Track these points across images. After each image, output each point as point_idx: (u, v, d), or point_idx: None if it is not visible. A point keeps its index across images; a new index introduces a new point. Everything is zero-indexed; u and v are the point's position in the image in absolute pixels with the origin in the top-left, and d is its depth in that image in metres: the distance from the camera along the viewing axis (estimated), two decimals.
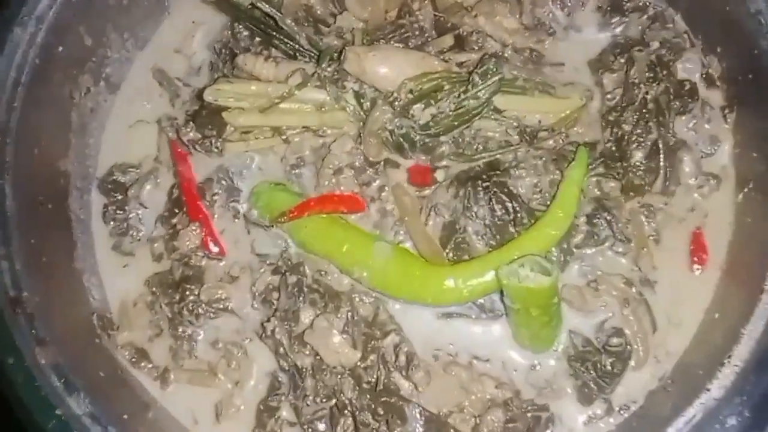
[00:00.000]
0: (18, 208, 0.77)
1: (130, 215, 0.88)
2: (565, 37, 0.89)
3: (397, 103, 0.79)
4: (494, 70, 0.78)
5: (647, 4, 0.88)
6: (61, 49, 0.83)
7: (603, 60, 0.86)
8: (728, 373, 0.65)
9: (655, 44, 0.84)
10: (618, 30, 0.88)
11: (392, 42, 0.85)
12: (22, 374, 0.69)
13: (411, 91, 0.79)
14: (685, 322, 0.77)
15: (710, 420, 0.63)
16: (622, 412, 0.74)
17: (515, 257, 0.73)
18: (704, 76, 0.85)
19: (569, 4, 0.90)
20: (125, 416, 0.72)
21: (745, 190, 0.79)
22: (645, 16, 0.87)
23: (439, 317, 0.80)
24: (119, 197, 0.89)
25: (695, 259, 0.79)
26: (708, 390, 0.65)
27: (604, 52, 0.87)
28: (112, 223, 0.88)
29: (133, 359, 0.81)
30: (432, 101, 0.80)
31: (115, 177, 0.90)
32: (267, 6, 0.85)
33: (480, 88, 0.78)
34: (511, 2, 0.88)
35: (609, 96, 0.84)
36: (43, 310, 0.74)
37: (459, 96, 0.79)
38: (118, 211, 0.88)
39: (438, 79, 0.79)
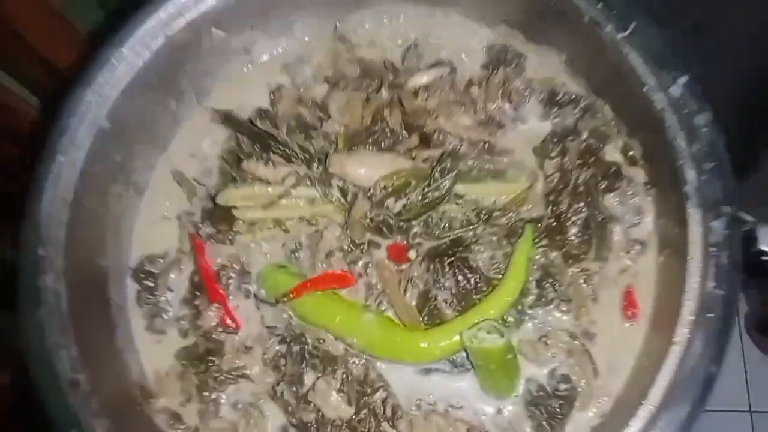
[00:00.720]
0: (70, 305, 0.88)
1: (160, 299, 1.00)
2: (513, 128, 1.01)
3: (374, 197, 0.94)
4: (451, 167, 0.93)
5: (580, 96, 1.01)
6: (97, 168, 0.95)
7: (544, 147, 0.98)
8: (645, 413, 0.78)
9: (585, 134, 0.97)
10: (556, 120, 1.00)
11: (368, 144, 0.99)
12: None
13: (384, 188, 0.93)
14: (621, 367, 0.89)
15: None
16: None
17: (476, 321, 0.88)
18: (628, 157, 0.97)
19: (515, 99, 1.02)
20: None
21: (664, 253, 0.92)
22: (578, 108, 1.00)
23: (419, 372, 0.92)
24: (150, 284, 1.00)
25: (628, 313, 0.91)
26: (630, 426, 0.78)
27: (545, 140, 0.99)
28: (145, 306, 1.00)
29: (170, 422, 0.93)
30: (402, 194, 0.94)
31: (145, 267, 1.01)
32: (264, 122, 1.00)
33: (440, 182, 0.92)
34: (466, 103, 1.02)
35: (549, 179, 0.96)
36: (96, 387, 0.86)
37: (424, 189, 0.93)
38: (149, 296, 1.00)
39: (405, 176, 0.93)
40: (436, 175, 0.93)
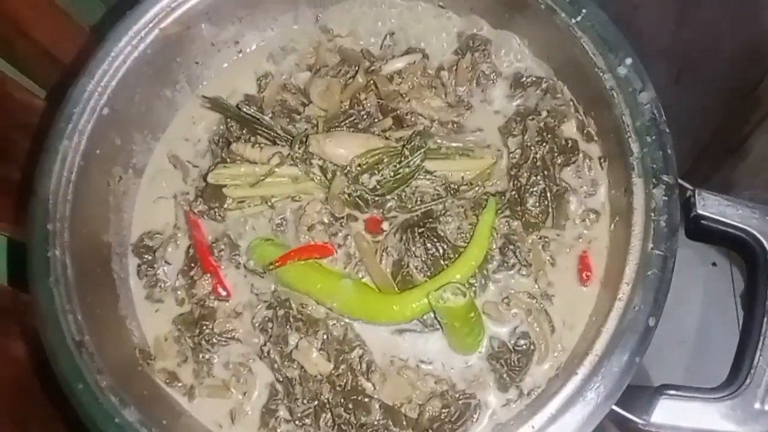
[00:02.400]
0: (76, 275, 0.97)
1: (158, 271, 1.08)
2: (480, 110, 1.10)
3: (350, 174, 1.02)
4: (419, 144, 1.02)
5: (541, 78, 1.09)
6: (98, 151, 1.05)
7: (508, 126, 1.07)
8: (591, 360, 0.85)
9: (544, 113, 1.05)
10: (520, 101, 1.09)
11: (345, 126, 1.07)
12: (88, 395, 0.91)
13: (359, 165, 1.01)
14: (575, 325, 0.97)
15: (577, 394, 0.84)
16: (530, 395, 0.94)
17: (442, 284, 0.97)
18: (585, 133, 1.05)
19: (483, 82, 1.11)
20: (164, 422, 0.93)
21: (615, 221, 1.00)
22: (539, 89, 1.08)
23: (393, 333, 1.00)
24: (149, 258, 1.09)
25: (583, 276, 0.99)
26: (577, 373, 0.86)
27: (509, 120, 1.07)
28: (145, 278, 1.09)
29: (167, 380, 1.01)
30: (376, 171, 1.01)
31: (145, 242, 1.10)
32: (251, 108, 1.08)
33: (410, 159, 1.00)
34: (437, 87, 1.10)
35: (512, 155, 1.04)
36: (100, 349, 0.94)
37: (396, 166, 1.01)
38: (148, 269, 1.09)
39: (379, 154, 1.02)
40: (407, 152, 1.02)
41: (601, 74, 0.98)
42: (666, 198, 0.90)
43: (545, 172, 1.01)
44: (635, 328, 0.86)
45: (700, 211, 0.92)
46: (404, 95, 1.10)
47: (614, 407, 0.85)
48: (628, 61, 0.96)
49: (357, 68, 1.13)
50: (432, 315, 0.99)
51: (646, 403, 0.87)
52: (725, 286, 1.87)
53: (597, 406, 0.84)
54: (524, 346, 0.96)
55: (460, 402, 0.95)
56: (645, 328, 0.86)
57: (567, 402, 0.85)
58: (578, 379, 0.86)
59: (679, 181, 0.92)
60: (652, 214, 0.90)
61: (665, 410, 0.85)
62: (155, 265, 1.10)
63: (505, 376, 0.96)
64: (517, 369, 0.95)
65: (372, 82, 1.11)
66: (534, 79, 1.10)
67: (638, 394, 0.89)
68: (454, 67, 1.13)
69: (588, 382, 0.85)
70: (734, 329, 2.18)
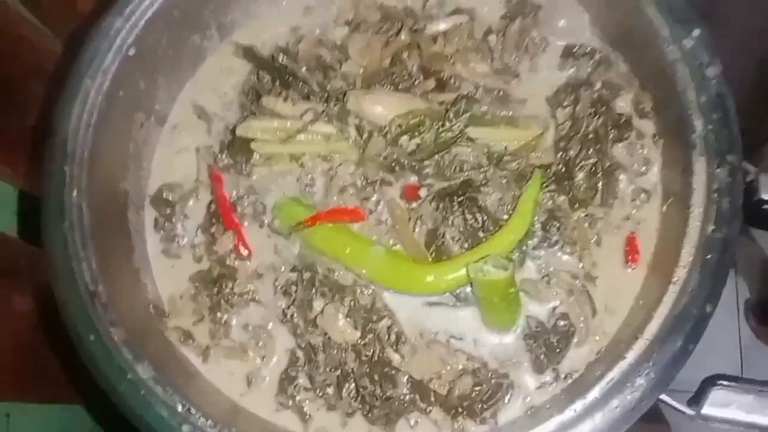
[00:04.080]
0: (91, 221, 0.92)
1: (176, 225, 1.04)
2: (528, 79, 1.04)
3: (389, 135, 0.96)
4: (465, 109, 0.96)
5: (595, 49, 1.03)
6: (121, 93, 0.99)
7: (557, 97, 1.01)
8: (641, 345, 0.81)
9: (598, 84, 0.99)
10: (571, 72, 1.03)
11: (385, 85, 1.01)
12: (100, 348, 0.86)
13: (399, 126, 0.96)
14: (618, 309, 0.92)
15: (625, 381, 0.79)
16: (566, 379, 0.90)
17: (482, 256, 0.92)
18: (639, 109, 1.00)
19: (532, 50, 1.05)
20: (179, 381, 0.88)
21: (668, 202, 0.94)
22: (592, 60, 1.02)
23: (424, 305, 0.95)
24: (167, 211, 1.04)
25: (629, 258, 0.94)
26: (625, 358, 0.81)
27: (559, 90, 1.02)
28: (162, 232, 1.04)
29: (181, 339, 0.97)
30: (416, 133, 0.96)
31: (163, 195, 1.05)
32: (285, 58, 1.04)
33: (454, 123, 0.95)
34: (483, 51, 1.04)
35: (561, 127, 0.99)
36: (113, 301, 0.90)
37: (438, 129, 0.96)
38: (166, 223, 1.04)
39: (421, 116, 0.96)
40: (451, 116, 0.96)
41: (665, 46, 0.92)
42: (730, 179, 0.85)
43: (597, 146, 0.96)
44: (690, 313, 0.81)
45: (764, 196, 0.87)
46: (449, 57, 1.04)
47: (663, 396, 0.79)
48: (696, 32, 0.91)
49: (400, 26, 1.07)
50: (465, 289, 0.95)
51: (697, 394, 0.82)
52: (729, 294, 1.82)
53: (646, 393, 0.79)
54: (564, 327, 0.92)
55: (492, 381, 0.91)
56: (701, 314, 0.81)
57: (613, 387, 0.81)
58: (626, 363, 0.81)
59: (743, 163, 0.86)
60: (715, 195, 0.85)
61: (717, 401, 0.80)
62: (173, 219, 1.05)
63: (542, 357, 0.91)
64: (556, 351, 0.91)
65: (415, 41, 1.05)
66: (587, 49, 1.04)
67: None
68: (503, 33, 1.07)
69: (637, 367, 0.80)
70: (734, 337, 2.15)
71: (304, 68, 1.06)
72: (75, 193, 0.94)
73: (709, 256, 0.83)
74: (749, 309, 2.13)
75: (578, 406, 0.81)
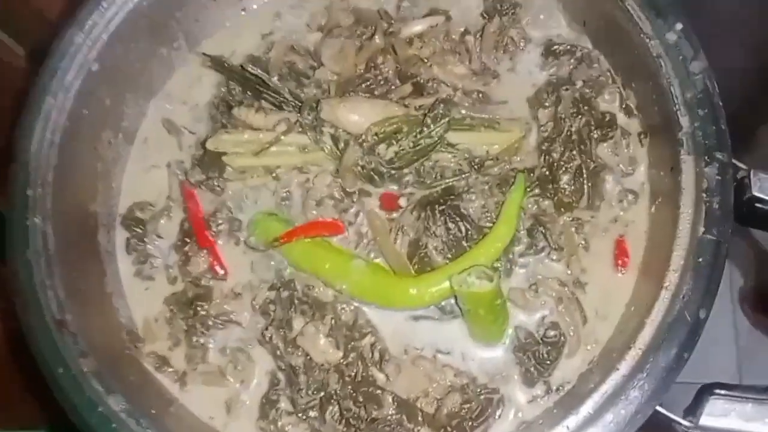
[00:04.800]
0: (58, 246, 0.88)
1: (149, 246, 0.99)
2: (508, 79, 1.01)
3: (365, 144, 0.93)
4: (443, 113, 0.92)
5: (576, 47, 1.00)
6: (86, 111, 0.95)
7: (538, 97, 0.98)
8: (634, 355, 0.77)
9: (579, 83, 0.96)
10: (552, 71, 1.00)
11: (360, 92, 0.98)
12: (69, 380, 0.82)
13: (376, 134, 0.92)
14: (610, 316, 0.89)
15: (619, 393, 0.76)
16: (558, 391, 0.86)
17: (466, 267, 0.88)
18: (623, 107, 0.96)
19: (511, 49, 1.01)
20: (153, 411, 0.84)
21: (656, 203, 0.91)
22: (573, 58, 0.99)
23: (408, 319, 0.91)
24: (139, 231, 1.00)
25: (619, 262, 0.91)
26: (618, 369, 0.78)
27: (539, 90, 0.98)
28: (134, 253, 0.99)
29: (157, 365, 0.93)
30: (394, 141, 0.93)
31: (135, 214, 1.01)
32: (255, 69, 0.99)
33: (432, 129, 0.92)
34: (461, 52, 1.01)
35: (543, 128, 0.95)
36: (83, 329, 0.86)
37: (416, 136, 0.92)
38: (138, 243, 1.00)
39: (398, 123, 0.93)
40: (428, 121, 0.93)
41: (647, 41, 0.89)
42: (719, 177, 0.82)
43: (581, 147, 0.92)
44: (684, 320, 0.78)
45: (756, 193, 0.83)
46: (425, 60, 1.01)
47: (658, 408, 0.76)
48: (678, 26, 0.88)
49: (373, 29, 1.03)
50: (451, 301, 0.91)
51: (693, 404, 0.78)
52: (723, 282, 1.79)
53: (641, 406, 0.76)
54: (554, 338, 0.88)
55: (481, 397, 0.87)
56: (695, 320, 0.78)
57: (607, 400, 0.77)
58: (619, 375, 0.78)
59: (733, 160, 0.83)
60: (704, 195, 0.81)
61: (715, 411, 0.77)
62: (145, 239, 1.01)
63: (532, 369, 0.87)
64: (546, 362, 0.87)
65: (390, 45, 1.02)
66: (568, 47, 1.01)
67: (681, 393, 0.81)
68: (480, 32, 1.03)
69: (631, 379, 0.77)
70: (729, 329, 2.12)
71: (276, 77, 1.02)
72: (39, 218, 0.90)
73: (700, 259, 0.79)
74: (743, 297, 2.10)
75: (571, 421, 0.77)
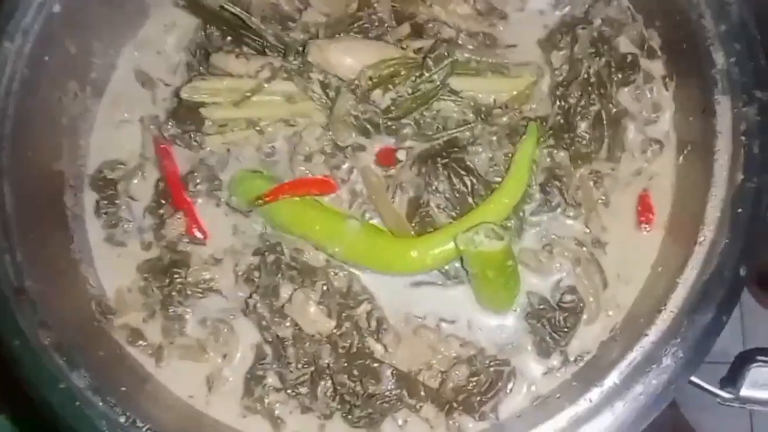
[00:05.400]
0: (17, 206, 0.81)
1: (121, 208, 0.92)
2: (517, 20, 0.93)
3: (358, 90, 0.84)
4: (446, 54, 0.84)
5: None
6: (47, 58, 0.87)
7: (551, 39, 0.90)
8: (665, 319, 0.70)
9: (597, 21, 0.88)
10: (565, 10, 0.92)
11: (353, 34, 0.89)
12: (27, 354, 0.75)
13: (370, 78, 0.84)
14: (633, 278, 0.82)
15: (648, 361, 0.68)
16: (577, 362, 0.79)
17: (473, 225, 0.79)
18: (646, 48, 0.88)
19: None
20: (124, 388, 0.77)
21: (684, 152, 0.84)
22: None
23: (408, 286, 0.84)
24: (110, 192, 0.92)
25: (642, 219, 0.84)
26: (647, 335, 0.70)
27: (552, 31, 0.90)
28: (104, 216, 0.92)
29: (130, 339, 0.85)
30: (390, 86, 0.84)
31: (105, 174, 0.93)
32: (235, 8, 0.90)
33: (434, 71, 0.83)
34: None
35: (557, 72, 0.88)
36: (45, 298, 0.79)
37: (415, 80, 0.84)
38: (109, 205, 0.92)
39: (395, 65, 0.84)
40: (429, 63, 0.84)
41: None
42: (759, 118, 0.74)
43: (601, 91, 0.84)
44: (722, 278, 0.70)
45: None
46: None
47: (692, 378, 0.67)
48: None
49: None
50: (456, 264, 0.84)
51: (731, 373, 0.69)
52: None
53: (674, 375, 0.69)
54: (571, 303, 0.81)
55: (490, 369, 0.80)
56: (735, 277, 0.70)
57: (635, 370, 0.70)
58: (648, 341, 0.71)
59: None
60: (743, 139, 0.74)
61: (759, 381, 0.68)
62: (117, 201, 0.93)
63: (547, 338, 0.80)
64: (563, 330, 0.80)
65: None
66: None
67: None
68: None
69: (662, 345, 0.70)
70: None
71: (258, 19, 0.92)
72: None
73: (740, 210, 0.71)
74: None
75: (594, 394, 0.70)
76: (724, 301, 0.69)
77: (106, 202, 0.93)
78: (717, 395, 0.70)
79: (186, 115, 0.91)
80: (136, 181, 0.93)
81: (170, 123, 0.91)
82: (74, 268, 0.89)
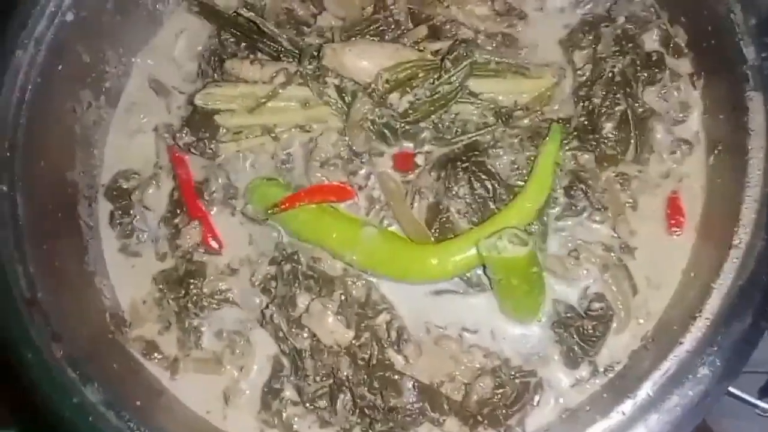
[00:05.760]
0: (29, 216, 0.81)
1: (135, 218, 0.91)
2: (536, 20, 0.91)
3: (375, 93, 0.82)
4: (465, 55, 0.82)
5: None
6: (60, 67, 0.87)
7: (572, 38, 0.88)
8: (700, 326, 0.67)
9: (621, 19, 0.86)
10: (587, 8, 0.90)
11: (368, 36, 0.88)
12: (39, 367, 0.74)
13: (387, 81, 0.82)
14: (664, 284, 0.79)
15: (684, 371, 0.65)
16: (606, 372, 0.77)
17: (495, 230, 0.76)
18: (671, 45, 0.86)
19: None
20: (138, 403, 0.76)
21: (715, 152, 0.81)
22: None
23: (429, 294, 0.82)
24: (124, 202, 0.92)
25: (672, 222, 0.81)
26: (681, 343, 0.67)
27: (574, 30, 0.89)
28: (118, 227, 0.91)
29: (144, 352, 0.85)
30: (408, 89, 0.83)
31: (119, 184, 0.93)
32: (249, 13, 0.88)
33: (452, 73, 0.82)
34: None
35: (579, 72, 0.86)
36: (58, 310, 0.78)
37: (433, 82, 0.82)
38: (123, 216, 0.91)
39: (412, 68, 0.83)
40: (447, 65, 0.82)
41: None
42: None
43: (626, 90, 0.82)
44: (759, 283, 0.67)
45: None
46: (442, 0, 0.91)
47: (730, 389, 0.64)
48: None
49: None
50: (478, 271, 0.82)
51: None
52: None
53: (711, 386, 0.66)
54: (599, 311, 0.78)
55: (516, 381, 0.78)
56: None
57: (669, 381, 0.67)
58: (683, 350, 0.68)
59: None
60: None
61: None
62: (132, 212, 0.93)
63: (575, 348, 0.78)
64: (591, 339, 0.77)
65: None
66: None
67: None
68: None
69: (698, 354, 0.67)
70: None
71: (272, 24, 0.90)
72: (6, 184, 0.81)
73: None
74: None
75: (627, 406, 0.67)
76: (761, 307, 0.66)
77: (120, 212, 0.93)
78: (756, 406, 0.66)
79: (200, 123, 0.89)
80: (150, 190, 0.93)
81: (185, 131, 0.90)
82: (88, 279, 0.88)
